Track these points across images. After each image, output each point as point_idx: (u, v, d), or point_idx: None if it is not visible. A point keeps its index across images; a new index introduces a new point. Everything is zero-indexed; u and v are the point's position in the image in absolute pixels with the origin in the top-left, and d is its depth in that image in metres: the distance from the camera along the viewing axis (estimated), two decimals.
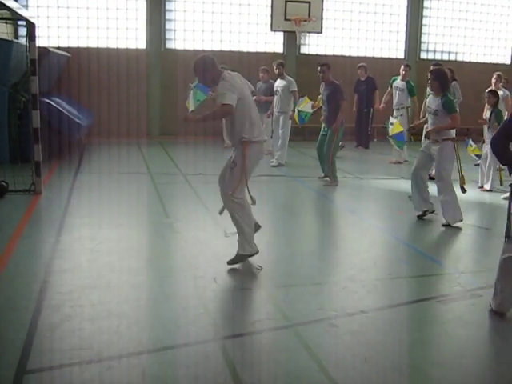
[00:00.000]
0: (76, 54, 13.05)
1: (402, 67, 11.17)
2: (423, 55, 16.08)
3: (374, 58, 15.41)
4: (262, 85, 11.39)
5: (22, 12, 6.88)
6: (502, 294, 4.13)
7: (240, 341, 3.77)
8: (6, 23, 8.20)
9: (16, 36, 12.38)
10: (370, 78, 13.23)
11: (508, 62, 16.83)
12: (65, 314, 3.95)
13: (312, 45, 15.20)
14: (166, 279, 4.77)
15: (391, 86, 11.36)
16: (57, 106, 10.01)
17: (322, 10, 14.62)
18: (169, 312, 4.12)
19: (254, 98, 10.67)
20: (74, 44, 13.51)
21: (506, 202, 4.22)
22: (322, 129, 9.15)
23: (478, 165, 9.39)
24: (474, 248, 6.29)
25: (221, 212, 5.22)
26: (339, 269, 5.34)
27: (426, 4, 15.87)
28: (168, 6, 14.13)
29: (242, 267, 5.13)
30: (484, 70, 13.01)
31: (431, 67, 8.49)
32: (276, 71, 10.75)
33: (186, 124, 5.65)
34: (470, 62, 16.32)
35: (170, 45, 14.28)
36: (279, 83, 10.72)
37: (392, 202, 8.26)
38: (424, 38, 16.07)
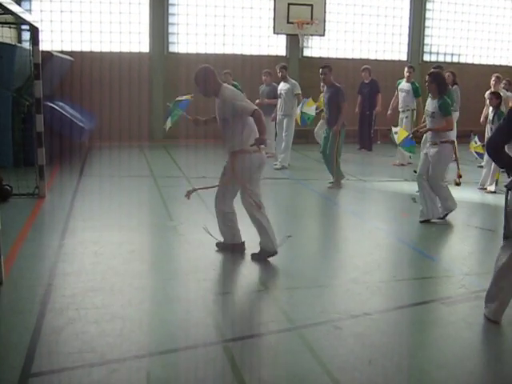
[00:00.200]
0: (79, 57, 13.08)
1: (406, 69, 11.14)
2: (426, 57, 16.04)
3: (376, 60, 15.39)
4: (265, 88, 11.41)
5: (26, 16, 6.89)
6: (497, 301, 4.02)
7: (243, 343, 3.77)
8: (10, 27, 8.21)
9: (19, 40, 12.41)
10: (374, 81, 13.21)
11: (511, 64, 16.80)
12: (69, 317, 3.95)
13: (315, 47, 15.18)
14: (170, 282, 4.77)
15: (398, 90, 11.32)
16: (60, 110, 10.03)
17: (325, 12, 14.61)
18: (172, 315, 4.12)
19: (257, 101, 10.76)
20: (77, 48, 13.55)
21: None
22: (324, 131, 9.16)
23: (481, 166, 9.37)
24: (478, 250, 6.28)
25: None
26: (343, 271, 5.33)
27: (428, 6, 15.84)
28: (171, 9, 14.15)
29: (246, 270, 5.14)
30: (487, 72, 12.94)
31: (431, 70, 8.47)
32: (279, 74, 10.76)
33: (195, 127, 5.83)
34: (473, 64, 16.28)
35: (172, 48, 14.29)
36: (283, 86, 10.73)
37: (396, 204, 8.25)
38: (427, 40, 16.02)
